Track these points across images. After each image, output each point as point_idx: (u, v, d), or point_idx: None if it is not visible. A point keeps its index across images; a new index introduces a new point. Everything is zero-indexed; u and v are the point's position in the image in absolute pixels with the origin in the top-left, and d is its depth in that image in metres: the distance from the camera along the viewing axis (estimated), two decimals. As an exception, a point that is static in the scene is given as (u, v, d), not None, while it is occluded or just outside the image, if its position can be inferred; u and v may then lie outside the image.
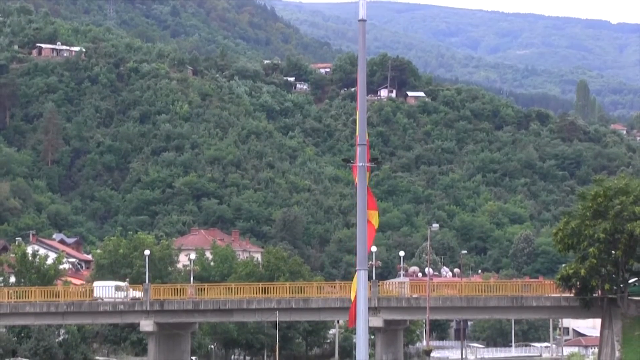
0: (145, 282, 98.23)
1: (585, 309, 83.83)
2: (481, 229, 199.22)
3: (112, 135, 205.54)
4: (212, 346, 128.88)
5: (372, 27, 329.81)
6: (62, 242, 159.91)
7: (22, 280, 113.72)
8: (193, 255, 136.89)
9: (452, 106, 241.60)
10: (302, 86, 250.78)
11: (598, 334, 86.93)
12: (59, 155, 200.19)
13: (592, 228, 77.04)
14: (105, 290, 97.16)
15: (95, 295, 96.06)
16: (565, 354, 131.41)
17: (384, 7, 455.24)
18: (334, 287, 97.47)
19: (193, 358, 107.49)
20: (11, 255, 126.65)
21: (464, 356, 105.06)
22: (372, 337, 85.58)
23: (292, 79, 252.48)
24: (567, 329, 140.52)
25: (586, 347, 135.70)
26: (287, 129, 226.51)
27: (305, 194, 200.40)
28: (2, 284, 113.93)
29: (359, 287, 64.34)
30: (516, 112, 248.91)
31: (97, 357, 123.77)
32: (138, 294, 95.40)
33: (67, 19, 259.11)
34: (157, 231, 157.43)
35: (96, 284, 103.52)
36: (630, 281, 78.44)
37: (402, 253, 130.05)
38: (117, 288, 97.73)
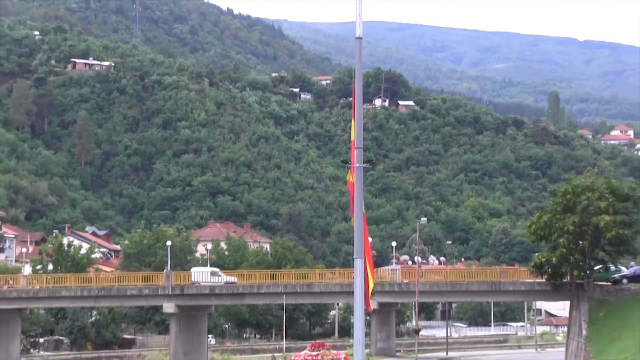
0: (167, 269, 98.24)
1: (555, 292, 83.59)
2: (464, 222, 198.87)
3: (138, 139, 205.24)
4: (227, 326, 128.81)
5: (368, 44, 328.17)
6: (94, 234, 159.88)
7: (59, 267, 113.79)
8: (209, 246, 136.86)
9: (438, 114, 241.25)
10: (306, 96, 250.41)
11: (567, 315, 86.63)
12: (91, 157, 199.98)
13: (562, 221, 76.76)
14: (202, 275, 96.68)
15: (192, 279, 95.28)
16: (538, 332, 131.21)
17: (378, 26, 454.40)
18: (334, 273, 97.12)
19: (209, 336, 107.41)
20: (49, 245, 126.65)
21: (448, 334, 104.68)
22: (368, 317, 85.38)
23: (296, 89, 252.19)
24: (540, 310, 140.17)
25: (556, 326, 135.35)
26: (292, 134, 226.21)
27: (309, 191, 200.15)
28: (41, 271, 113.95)
29: (356, 273, 64.02)
30: (495, 118, 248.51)
31: (124, 336, 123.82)
32: (231, 278, 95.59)
33: (98, 37, 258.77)
34: (177, 224, 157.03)
35: (194, 269, 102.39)
36: (595, 268, 78.16)
37: (394, 243, 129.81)
38: (213, 273, 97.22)
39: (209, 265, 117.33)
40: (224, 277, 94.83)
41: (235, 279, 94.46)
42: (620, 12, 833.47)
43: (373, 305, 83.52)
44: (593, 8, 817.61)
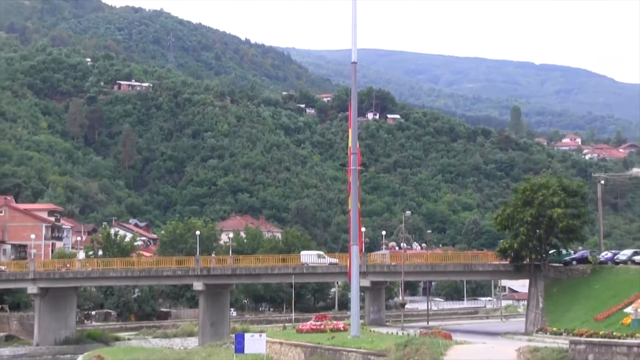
0: (196, 254, 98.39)
1: (517, 272, 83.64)
2: (441, 215, 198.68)
3: (172, 147, 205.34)
4: (245, 301, 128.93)
5: (361, 67, 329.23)
6: (135, 225, 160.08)
7: (107, 253, 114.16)
8: (231, 235, 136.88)
9: (420, 125, 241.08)
10: (310, 111, 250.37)
11: (527, 291, 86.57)
12: (133, 162, 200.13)
13: (522, 213, 76.83)
14: (310, 257, 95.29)
15: (302, 261, 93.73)
16: (502, 305, 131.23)
17: (370, 52, 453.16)
18: (334, 257, 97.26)
19: (231, 309, 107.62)
20: (99, 235, 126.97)
21: (429, 307, 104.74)
22: (362, 293, 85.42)
23: (302, 105, 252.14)
24: (504, 287, 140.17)
25: (518, 300, 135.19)
26: (299, 142, 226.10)
27: (313, 189, 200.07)
28: (93, 256, 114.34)
29: (353, 257, 64.16)
30: (466, 129, 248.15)
31: (161, 309, 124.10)
32: (334, 260, 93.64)
33: (139, 63, 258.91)
34: (204, 217, 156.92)
35: (303, 253, 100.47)
36: (550, 252, 78.21)
37: (383, 232, 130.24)
38: (319, 256, 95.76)
39: (230, 252, 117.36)
40: (327, 259, 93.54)
41: (337, 260, 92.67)
42: (571, 39, 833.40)
43: (366, 283, 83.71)
44: (548, 35, 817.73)
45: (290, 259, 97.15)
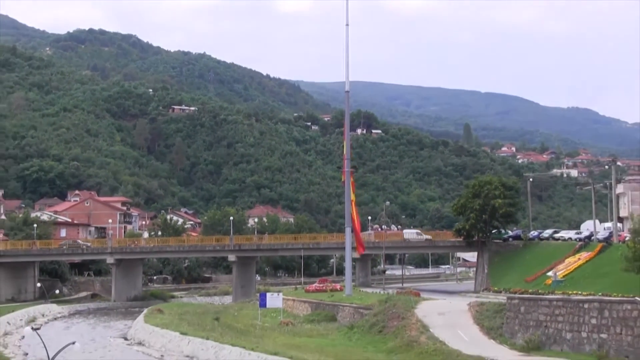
0: (230, 234, 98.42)
1: (468, 246, 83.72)
2: (412, 204, 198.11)
3: (212, 154, 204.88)
4: (267, 268, 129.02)
5: (352, 95, 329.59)
6: (185, 212, 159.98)
7: (164, 233, 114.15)
8: (256, 220, 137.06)
9: (396, 138, 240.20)
10: (315, 127, 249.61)
11: (476, 260, 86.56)
12: (183, 166, 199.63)
13: (472, 203, 76.78)
14: (410, 234, 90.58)
15: (405, 237, 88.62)
16: (458, 271, 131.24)
17: (359, 83, 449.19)
18: (333, 237, 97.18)
19: (256, 275, 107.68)
20: (159, 220, 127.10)
21: (403, 273, 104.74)
22: (354, 263, 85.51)
23: (309, 123, 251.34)
24: (459, 257, 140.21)
25: (469, 267, 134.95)
26: (306, 151, 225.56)
27: (317, 186, 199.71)
28: (154, 235, 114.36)
29: (347, 237, 63.82)
30: (431, 140, 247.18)
31: (205, 275, 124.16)
32: (428, 236, 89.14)
33: (188, 92, 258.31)
34: (236, 206, 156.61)
35: (405, 231, 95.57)
36: (492, 231, 78.28)
37: (369, 217, 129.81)
38: (417, 234, 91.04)
39: (255, 232, 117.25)
40: (424, 236, 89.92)
41: (430, 236, 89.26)
42: (507, 73, 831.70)
43: (356, 255, 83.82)
44: (491, 70, 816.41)
45: (300, 238, 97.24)
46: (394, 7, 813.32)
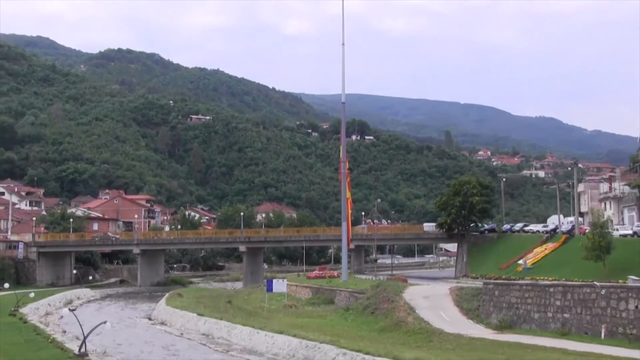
0: (241, 227, 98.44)
1: (449, 238, 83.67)
2: (400, 201, 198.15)
3: (225, 158, 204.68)
4: (273, 258, 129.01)
5: (347, 105, 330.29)
6: (201, 209, 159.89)
7: (183, 227, 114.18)
8: (264, 215, 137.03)
9: (386, 143, 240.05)
10: (315, 134, 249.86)
11: (456, 250, 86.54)
12: (199, 168, 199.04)
13: (453, 200, 76.80)
14: (429, 227, 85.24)
15: (424, 229, 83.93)
16: (440, 259, 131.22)
17: (354, 95, 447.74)
18: (331, 230, 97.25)
19: (264, 264, 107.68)
20: (178, 215, 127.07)
21: (392, 262, 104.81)
22: (349, 253, 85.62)
23: (310, 130, 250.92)
24: (441, 248, 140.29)
25: (450, 256, 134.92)
26: (308, 155, 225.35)
27: (317, 185, 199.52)
28: (174, 229, 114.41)
29: (343, 229, 63.53)
30: (417, 145, 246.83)
31: (219, 263, 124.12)
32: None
33: (204, 103, 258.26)
34: (246, 203, 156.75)
35: (425, 224, 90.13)
36: (471, 225, 78.29)
37: (363, 213, 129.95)
38: (435, 226, 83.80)
39: (263, 226, 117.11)
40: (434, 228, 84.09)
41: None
42: (483, 86, 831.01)
43: (352, 246, 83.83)
44: (469, 83, 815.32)
45: (302, 231, 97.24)
46: (385, 29, 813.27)
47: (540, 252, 60.95)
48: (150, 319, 53.11)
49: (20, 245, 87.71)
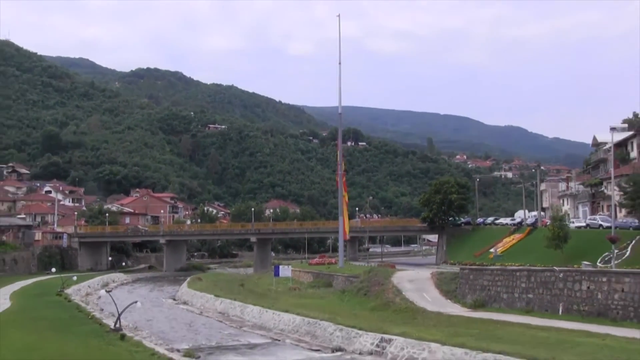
0: (252, 221, 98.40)
1: (431, 230, 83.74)
2: (389, 199, 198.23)
3: (238, 161, 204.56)
4: (280, 247, 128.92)
5: (344, 116, 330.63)
6: (218, 205, 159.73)
7: (202, 221, 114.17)
8: (271, 210, 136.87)
9: (377, 148, 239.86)
10: (315, 141, 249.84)
11: (437, 240, 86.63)
12: (216, 170, 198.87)
13: (434, 198, 76.92)
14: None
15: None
16: (423, 248, 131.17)
17: (349, 107, 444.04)
18: (329, 223, 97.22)
19: (272, 252, 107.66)
20: (198, 211, 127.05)
21: (382, 250, 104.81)
22: (345, 243, 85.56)
23: (311, 138, 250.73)
24: (424, 238, 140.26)
25: (432, 246, 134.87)
26: (309, 158, 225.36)
27: (317, 185, 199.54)
28: (195, 222, 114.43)
29: (340, 224, 63.07)
30: (403, 150, 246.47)
31: (233, 252, 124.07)
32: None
33: (219, 114, 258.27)
34: (257, 200, 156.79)
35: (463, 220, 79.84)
36: (449, 219, 78.39)
37: (357, 208, 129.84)
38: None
39: (271, 220, 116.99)
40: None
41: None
42: (460, 99, 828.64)
43: (347, 237, 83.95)
44: (448, 96, 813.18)
45: (305, 224, 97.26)
46: (376, 49, 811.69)
47: (508, 241, 61.13)
48: (174, 299, 53.26)
49: (65, 236, 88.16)
